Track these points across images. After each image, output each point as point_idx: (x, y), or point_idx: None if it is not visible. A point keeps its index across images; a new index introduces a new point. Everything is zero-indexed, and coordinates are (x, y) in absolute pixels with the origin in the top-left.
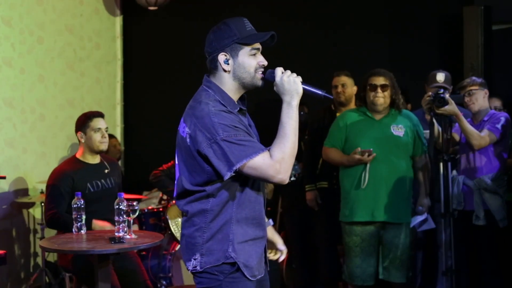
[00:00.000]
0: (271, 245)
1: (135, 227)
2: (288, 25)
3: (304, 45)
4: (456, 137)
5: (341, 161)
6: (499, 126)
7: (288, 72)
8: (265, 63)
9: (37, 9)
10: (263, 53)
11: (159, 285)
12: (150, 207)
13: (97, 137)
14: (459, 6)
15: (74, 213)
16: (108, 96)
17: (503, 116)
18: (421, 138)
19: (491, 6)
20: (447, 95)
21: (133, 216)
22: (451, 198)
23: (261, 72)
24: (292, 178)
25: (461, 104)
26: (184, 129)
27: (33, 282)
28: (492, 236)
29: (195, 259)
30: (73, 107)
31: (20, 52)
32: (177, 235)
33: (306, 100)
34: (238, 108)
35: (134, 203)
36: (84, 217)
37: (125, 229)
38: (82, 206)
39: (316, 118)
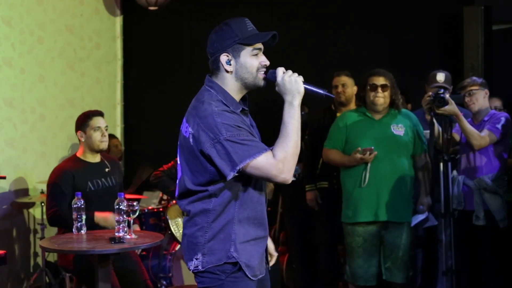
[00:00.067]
0: None
1: (135, 227)
2: (288, 25)
3: (304, 45)
4: (457, 137)
5: (342, 162)
6: (499, 126)
7: (290, 72)
8: (267, 63)
9: (37, 9)
10: (263, 53)
11: (159, 285)
12: (150, 207)
13: (97, 136)
14: (459, 6)
15: (74, 213)
16: (108, 96)
17: (503, 116)
18: (421, 137)
19: (491, 6)
20: (447, 95)
21: (133, 216)
22: (451, 198)
23: (263, 72)
24: (292, 178)
25: (461, 104)
26: (187, 129)
27: (33, 282)
28: (492, 236)
29: (196, 259)
30: (73, 107)
31: (20, 52)
32: (177, 235)
33: (306, 100)
34: (241, 108)
35: (134, 203)
36: (84, 217)
37: (125, 229)
38: (82, 206)
39: (316, 118)
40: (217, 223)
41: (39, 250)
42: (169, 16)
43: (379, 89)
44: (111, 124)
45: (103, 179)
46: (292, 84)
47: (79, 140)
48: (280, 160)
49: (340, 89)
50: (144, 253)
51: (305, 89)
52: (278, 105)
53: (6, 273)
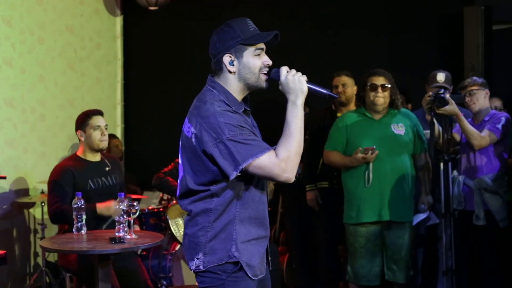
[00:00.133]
0: None
1: (135, 227)
2: (288, 25)
3: (304, 45)
4: (457, 137)
5: (343, 163)
6: (499, 126)
7: (293, 71)
8: (270, 62)
9: (38, 9)
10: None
11: (159, 285)
12: (150, 207)
13: (96, 135)
14: (459, 6)
15: (74, 213)
16: (108, 96)
17: (503, 116)
18: (421, 137)
19: (492, 6)
20: (447, 95)
21: (133, 216)
22: (451, 198)
23: (265, 72)
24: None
25: (461, 104)
26: (189, 129)
27: (33, 282)
28: (493, 236)
29: (198, 259)
30: (74, 107)
31: (21, 52)
32: (178, 235)
33: (308, 100)
34: (243, 109)
35: (135, 203)
36: (84, 217)
37: (126, 229)
38: (82, 206)
39: (316, 118)
40: (218, 222)
41: (39, 250)
42: (169, 16)
43: (379, 89)
44: (111, 124)
45: (103, 178)
46: (296, 84)
47: (79, 140)
48: (283, 160)
49: (340, 89)
50: (144, 253)
51: (309, 88)
52: (279, 105)
53: (6, 273)
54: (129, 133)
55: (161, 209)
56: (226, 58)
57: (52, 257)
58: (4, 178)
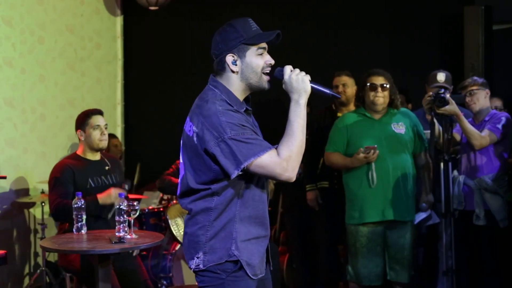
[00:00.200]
0: None
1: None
2: (289, 25)
3: (305, 45)
4: (457, 137)
5: (345, 164)
6: (499, 126)
7: (297, 70)
8: (272, 62)
9: (38, 9)
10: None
11: (159, 285)
12: (150, 207)
13: (96, 134)
14: (459, 6)
15: (74, 213)
16: (108, 96)
17: (504, 116)
18: (421, 136)
19: (492, 6)
20: (447, 95)
21: (133, 216)
22: (451, 198)
23: (268, 72)
24: None
25: (462, 104)
26: (190, 128)
27: (33, 282)
28: (493, 236)
29: (198, 258)
30: (74, 107)
31: (21, 52)
32: (178, 235)
33: (309, 100)
34: (245, 108)
35: (135, 203)
36: (84, 217)
37: (126, 229)
38: (83, 206)
39: (317, 117)
40: (218, 221)
41: (39, 250)
42: (170, 16)
43: (379, 89)
44: (111, 124)
45: (103, 177)
46: (299, 83)
47: (79, 139)
48: (285, 159)
49: (340, 89)
50: (144, 253)
51: (312, 88)
52: (280, 105)
53: (6, 273)
54: (129, 133)
55: (161, 209)
56: (229, 58)
57: (52, 257)
58: (4, 178)
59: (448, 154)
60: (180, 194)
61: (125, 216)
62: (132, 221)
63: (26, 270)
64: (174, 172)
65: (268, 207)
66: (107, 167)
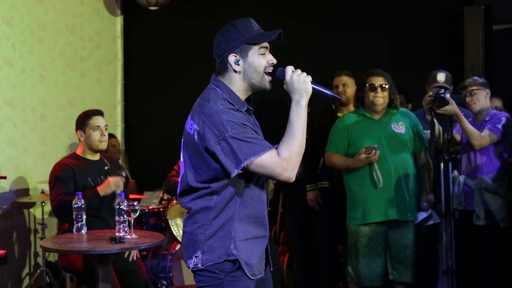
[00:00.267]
0: None
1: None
2: (289, 25)
3: (305, 45)
4: (458, 137)
5: (346, 165)
6: (499, 126)
7: (299, 71)
8: (274, 61)
9: (38, 9)
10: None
11: (159, 285)
12: (150, 207)
13: (96, 135)
14: (459, 6)
15: (74, 213)
16: (108, 96)
17: (504, 116)
18: (421, 135)
19: (492, 6)
20: (447, 95)
21: (133, 216)
22: (451, 198)
23: (270, 72)
24: None
25: (462, 104)
26: (192, 126)
27: (33, 282)
28: (493, 236)
29: (196, 257)
30: (74, 107)
31: (21, 52)
32: (177, 235)
33: (310, 100)
34: (246, 108)
35: (135, 203)
36: (84, 217)
37: (126, 229)
38: (83, 206)
39: (317, 117)
40: (217, 220)
41: (39, 250)
42: (170, 16)
43: (379, 89)
44: (111, 124)
45: (102, 177)
46: (301, 84)
47: (79, 139)
48: (285, 159)
49: (340, 89)
50: (144, 253)
51: (313, 89)
52: (280, 105)
53: (6, 273)
54: (129, 133)
55: (161, 209)
56: (232, 58)
57: (53, 257)
58: (5, 178)
59: (448, 154)
60: (180, 193)
61: (125, 216)
62: (132, 221)
63: (26, 270)
64: (178, 173)
65: (268, 207)
66: (106, 167)
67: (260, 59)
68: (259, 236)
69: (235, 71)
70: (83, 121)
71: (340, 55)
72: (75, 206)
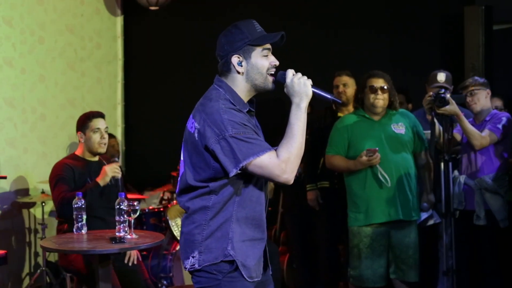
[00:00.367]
0: None
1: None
2: (289, 25)
3: (306, 45)
4: (458, 137)
5: (347, 167)
6: (500, 126)
7: (299, 74)
8: (277, 63)
9: (38, 9)
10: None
11: (159, 285)
12: (150, 207)
13: (96, 138)
14: (460, 6)
15: (74, 213)
16: (108, 96)
17: (504, 116)
18: (421, 135)
19: (492, 6)
20: (448, 95)
21: (134, 216)
22: (452, 198)
23: (272, 73)
24: None
25: (462, 104)
26: (192, 125)
27: (34, 282)
28: (493, 236)
29: (193, 257)
30: (74, 107)
31: (21, 52)
32: (178, 235)
33: (311, 101)
34: (248, 109)
35: (135, 203)
36: (84, 217)
37: (126, 229)
38: (83, 206)
39: (317, 117)
40: (215, 220)
41: (39, 250)
42: (170, 16)
43: (379, 91)
44: (111, 124)
45: None
46: (301, 87)
47: (79, 140)
48: (283, 161)
49: (341, 89)
50: (144, 253)
51: (313, 92)
52: (280, 106)
53: (6, 273)
54: (129, 133)
55: (161, 209)
56: (235, 59)
57: (53, 257)
58: (5, 178)
59: (448, 154)
60: (179, 192)
61: (125, 216)
62: (132, 221)
63: (26, 270)
64: None
65: (266, 209)
66: None
67: (263, 61)
68: (255, 238)
69: (238, 72)
70: (84, 122)
71: (340, 55)
72: (75, 206)
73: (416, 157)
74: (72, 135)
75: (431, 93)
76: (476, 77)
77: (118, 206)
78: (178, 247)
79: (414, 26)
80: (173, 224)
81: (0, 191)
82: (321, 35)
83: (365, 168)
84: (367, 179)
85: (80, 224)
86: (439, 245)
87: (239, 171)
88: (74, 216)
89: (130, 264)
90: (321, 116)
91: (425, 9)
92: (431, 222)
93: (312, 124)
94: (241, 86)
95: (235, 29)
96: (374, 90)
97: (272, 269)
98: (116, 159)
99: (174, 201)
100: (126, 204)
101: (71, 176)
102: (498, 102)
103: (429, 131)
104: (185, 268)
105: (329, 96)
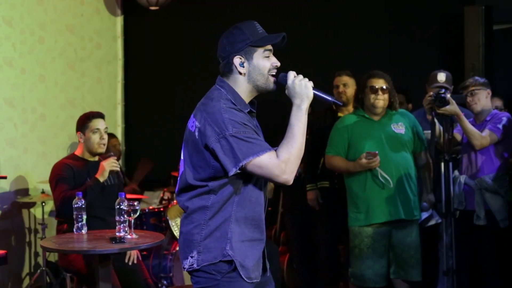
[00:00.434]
0: None
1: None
2: (289, 25)
3: (306, 45)
4: (458, 137)
5: (346, 168)
6: (500, 126)
7: (301, 76)
8: (278, 64)
9: (38, 9)
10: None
11: (160, 285)
12: (151, 207)
13: (95, 138)
14: (460, 6)
15: (74, 213)
16: (108, 96)
17: (505, 116)
18: (420, 135)
19: (492, 6)
20: (448, 95)
21: (134, 216)
22: (452, 198)
23: (274, 74)
24: None
25: (463, 104)
26: (193, 124)
27: (34, 282)
28: (493, 236)
29: (192, 257)
30: (74, 107)
31: (21, 52)
32: (178, 235)
33: (311, 102)
34: (249, 109)
35: (135, 203)
36: (84, 217)
37: (126, 229)
38: (83, 206)
39: (317, 117)
40: (214, 220)
41: (39, 250)
42: (170, 16)
43: (379, 92)
44: (111, 124)
45: None
46: (302, 88)
47: (79, 141)
48: (283, 161)
49: (341, 89)
50: (144, 253)
51: (314, 94)
52: (280, 106)
53: (6, 273)
54: (129, 133)
55: (161, 209)
56: (237, 60)
57: (53, 257)
58: (5, 178)
59: (448, 154)
60: (178, 191)
61: (125, 216)
62: (132, 221)
63: (26, 270)
64: None
65: (265, 210)
66: None
67: (264, 62)
68: (254, 239)
69: (240, 73)
70: (83, 123)
71: (340, 55)
72: (75, 206)
73: (416, 157)
74: (72, 135)
75: (431, 93)
76: (476, 77)
77: (118, 206)
78: (178, 247)
79: (414, 26)
80: (173, 224)
81: (0, 191)
82: (321, 35)
83: (364, 170)
84: (367, 181)
85: (80, 224)
86: (439, 245)
87: (238, 171)
88: (74, 216)
89: (130, 263)
90: (321, 116)
91: (425, 9)
92: (432, 222)
93: (313, 125)
94: (243, 87)
95: (236, 30)
96: (374, 91)
97: (272, 269)
98: (111, 153)
99: (174, 201)
100: (126, 204)
101: (71, 175)
102: (498, 102)
103: (429, 131)
104: (184, 268)
105: (330, 98)
